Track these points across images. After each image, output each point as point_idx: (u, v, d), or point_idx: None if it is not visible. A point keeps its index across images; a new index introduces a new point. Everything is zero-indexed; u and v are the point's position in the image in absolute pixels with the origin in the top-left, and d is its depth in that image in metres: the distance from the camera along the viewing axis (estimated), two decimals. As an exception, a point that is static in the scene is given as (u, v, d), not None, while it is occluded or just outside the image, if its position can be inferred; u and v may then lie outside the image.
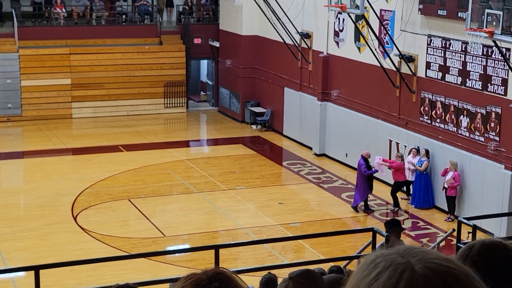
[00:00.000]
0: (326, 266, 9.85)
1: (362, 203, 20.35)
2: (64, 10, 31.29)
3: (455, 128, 20.15)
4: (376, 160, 20.51)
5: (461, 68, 19.91)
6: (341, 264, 11.89)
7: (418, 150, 20.71)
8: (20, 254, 16.60)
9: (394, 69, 21.86)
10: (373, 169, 20.21)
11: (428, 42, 21.01)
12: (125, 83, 31.08)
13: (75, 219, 19.03)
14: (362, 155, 20.40)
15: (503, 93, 18.60)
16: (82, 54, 30.48)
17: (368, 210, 20.24)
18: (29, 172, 23.92)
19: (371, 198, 20.83)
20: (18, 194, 21.58)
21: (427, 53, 21.11)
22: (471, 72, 19.55)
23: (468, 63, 19.65)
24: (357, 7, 20.84)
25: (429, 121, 21.13)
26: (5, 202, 20.47)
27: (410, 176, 20.71)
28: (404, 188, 21.10)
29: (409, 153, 20.87)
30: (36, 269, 8.73)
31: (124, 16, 32.87)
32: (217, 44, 32.47)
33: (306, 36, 26.63)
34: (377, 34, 22.32)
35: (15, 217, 19.15)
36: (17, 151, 26.32)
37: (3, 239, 17.39)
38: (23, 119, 29.76)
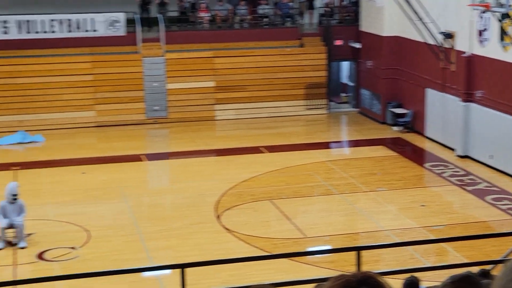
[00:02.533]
0: (470, 271, 9.67)
1: None
2: (208, 14, 32.04)
3: None
4: None
5: None
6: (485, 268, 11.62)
7: None
8: (165, 253, 17.11)
9: (542, 68, 21.14)
10: None
11: None
12: (266, 85, 31.48)
13: (218, 219, 19.43)
14: None
15: None
16: (225, 57, 31.10)
17: None
18: (175, 172, 24.62)
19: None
20: (164, 194, 22.25)
21: None
22: None
23: None
24: (501, 5, 20.28)
25: None
26: (152, 202, 21.18)
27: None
28: None
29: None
30: (182, 267, 9.00)
31: (266, 19, 33.27)
32: (358, 46, 32.34)
33: (448, 36, 26.12)
34: (524, 33, 21.64)
35: (161, 217, 19.76)
36: (163, 152, 27.19)
37: (149, 238, 17.98)
38: (168, 121, 30.69)
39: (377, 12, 30.03)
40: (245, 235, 18.28)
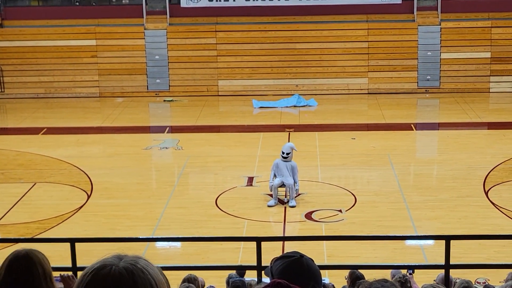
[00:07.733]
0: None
1: None
2: (488, -17, 31.16)
3: None
4: None
5: None
6: None
7: None
8: (430, 223, 17.09)
9: None
10: None
11: None
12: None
13: (486, 194, 19.03)
14: None
15: None
16: (504, 27, 30.10)
17: None
18: (444, 143, 24.39)
19: None
20: (432, 165, 22.13)
21: None
22: None
23: None
24: None
25: None
26: (419, 172, 21.18)
27: None
28: None
29: None
30: (448, 239, 9.04)
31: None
32: None
33: None
34: None
35: (428, 187, 19.71)
36: (433, 122, 27.02)
37: (415, 207, 18.02)
38: (440, 91, 30.37)
39: None
40: (513, 212, 17.77)
